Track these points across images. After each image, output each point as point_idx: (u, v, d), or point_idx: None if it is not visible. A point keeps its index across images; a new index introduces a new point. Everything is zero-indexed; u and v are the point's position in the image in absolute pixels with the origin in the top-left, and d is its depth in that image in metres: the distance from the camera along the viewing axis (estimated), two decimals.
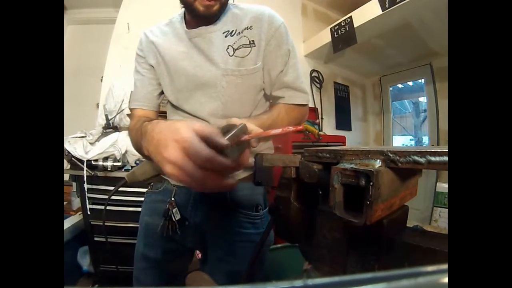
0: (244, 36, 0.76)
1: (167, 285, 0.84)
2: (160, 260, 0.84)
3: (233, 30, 0.76)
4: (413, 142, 3.84)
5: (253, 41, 0.75)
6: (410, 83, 3.59)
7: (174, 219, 0.79)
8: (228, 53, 0.75)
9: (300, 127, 0.49)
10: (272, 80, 0.79)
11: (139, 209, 1.85)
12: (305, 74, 2.84)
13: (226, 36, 0.76)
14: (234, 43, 0.75)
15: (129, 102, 0.89)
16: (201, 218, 0.82)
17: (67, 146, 1.77)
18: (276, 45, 0.76)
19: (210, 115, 0.77)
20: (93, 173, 1.79)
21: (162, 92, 0.88)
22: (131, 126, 0.82)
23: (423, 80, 3.12)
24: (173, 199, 0.81)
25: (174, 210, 0.80)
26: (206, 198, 0.81)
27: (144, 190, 1.69)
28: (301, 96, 0.80)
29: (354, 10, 2.27)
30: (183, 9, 0.79)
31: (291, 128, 0.47)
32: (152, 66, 0.83)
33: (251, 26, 0.76)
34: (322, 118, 3.11)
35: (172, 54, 0.79)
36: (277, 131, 0.47)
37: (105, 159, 1.84)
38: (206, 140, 0.40)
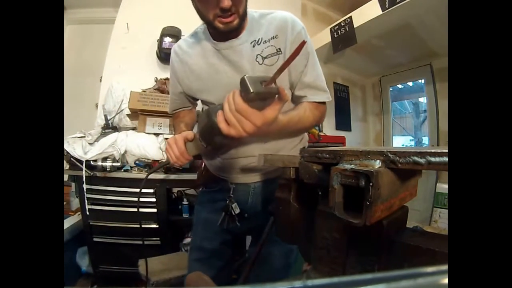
0: (271, 45, 0.81)
1: (219, 272, 0.95)
2: (216, 250, 0.95)
3: (259, 39, 0.81)
4: (413, 143, 3.84)
5: (279, 49, 0.81)
6: (410, 84, 3.59)
7: (234, 213, 0.89)
8: (258, 62, 0.81)
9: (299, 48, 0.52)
10: (293, 80, 0.85)
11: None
12: None
13: (254, 46, 0.81)
14: (262, 51, 0.81)
15: (171, 111, 1.04)
16: (260, 207, 0.92)
17: (66, 146, 1.77)
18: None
19: None
20: (92, 174, 1.78)
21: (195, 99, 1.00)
22: (175, 122, 1.03)
23: (423, 81, 3.11)
24: (231, 195, 0.90)
25: (233, 205, 0.89)
26: (264, 189, 0.91)
27: (149, 190, 1.69)
28: (322, 94, 0.86)
29: (354, 10, 2.26)
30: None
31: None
32: (184, 90, 0.94)
33: (277, 35, 0.81)
34: None
35: (204, 68, 0.86)
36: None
37: (104, 159, 1.84)
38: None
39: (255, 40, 0.81)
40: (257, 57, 0.81)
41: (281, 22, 0.82)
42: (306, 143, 1.00)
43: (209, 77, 0.85)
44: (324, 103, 0.89)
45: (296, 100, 0.89)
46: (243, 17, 0.77)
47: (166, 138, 2.12)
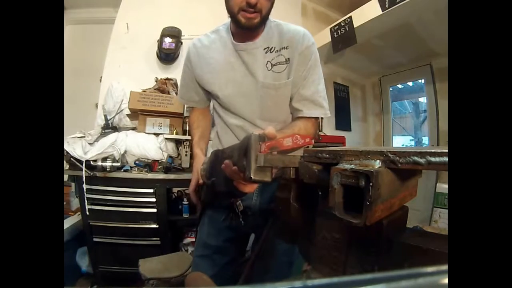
0: (281, 55, 0.88)
1: (223, 269, 0.96)
2: (220, 247, 0.96)
3: (272, 47, 0.88)
4: (413, 143, 3.84)
5: (288, 58, 0.88)
6: (410, 83, 3.59)
7: (237, 211, 0.91)
8: (267, 67, 0.88)
9: (309, 142, 0.43)
10: (292, 92, 0.90)
11: (139, 209, 1.87)
12: None
13: (266, 53, 0.88)
14: (273, 59, 0.88)
15: (180, 97, 1.08)
16: (265, 204, 0.93)
17: (66, 146, 1.77)
18: (301, 61, 0.88)
19: (251, 115, 0.92)
20: (92, 174, 1.78)
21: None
22: (191, 120, 1.09)
23: (423, 80, 3.11)
24: None
25: (238, 203, 0.91)
26: (269, 189, 0.92)
27: (148, 190, 1.70)
28: (318, 110, 0.90)
29: (354, 10, 2.26)
30: (228, 20, 0.90)
31: (300, 142, 0.44)
32: (197, 81, 0.98)
33: (288, 46, 0.88)
34: (321, 118, 3.11)
35: (221, 63, 0.92)
36: (288, 144, 0.44)
37: (104, 159, 1.84)
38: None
39: (268, 48, 0.88)
40: (267, 63, 0.88)
41: (293, 34, 0.88)
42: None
43: (224, 72, 0.91)
44: (317, 119, 0.93)
45: (293, 112, 0.93)
46: (264, 18, 0.83)
47: (166, 138, 2.12)
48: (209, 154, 0.79)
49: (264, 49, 0.88)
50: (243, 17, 0.80)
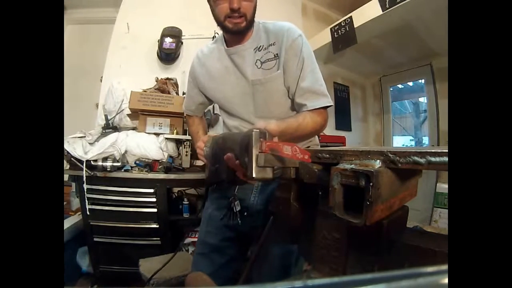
0: (270, 51, 0.90)
1: (221, 268, 0.97)
2: (218, 246, 0.98)
3: (261, 46, 0.91)
4: (413, 143, 3.84)
5: (277, 54, 0.90)
6: (410, 84, 3.59)
7: (235, 210, 0.93)
8: (256, 66, 0.91)
9: (308, 159, 0.44)
10: (291, 86, 0.90)
11: (139, 209, 1.87)
12: None
13: (255, 52, 0.92)
14: (261, 57, 0.91)
15: (184, 106, 1.17)
16: (263, 206, 0.94)
17: (66, 146, 1.77)
18: (292, 54, 0.88)
19: (247, 114, 0.96)
20: (92, 174, 1.78)
21: (207, 104, 1.12)
22: (190, 125, 1.19)
23: (423, 80, 3.11)
24: (236, 193, 0.95)
25: (236, 203, 0.94)
26: (267, 189, 0.94)
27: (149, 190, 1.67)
28: (321, 99, 0.89)
29: (354, 10, 2.26)
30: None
31: (299, 156, 0.44)
32: (200, 90, 1.06)
33: (274, 42, 0.90)
34: None
35: (219, 69, 0.97)
36: (288, 152, 0.45)
37: (105, 159, 1.84)
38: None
39: (257, 47, 0.91)
40: (256, 62, 0.91)
41: (278, 30, 0.91)
42: (317, 147, 1.02)
43: (221, 76, 0.97)
44: (325, 109, 0.91)
45: (297, 108, 0.92)
46: (250, 22, 0.87)
47: (167, 138, 2.12)
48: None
49: (254, 49, 0.92)
50: (230, 23, 0.84)
